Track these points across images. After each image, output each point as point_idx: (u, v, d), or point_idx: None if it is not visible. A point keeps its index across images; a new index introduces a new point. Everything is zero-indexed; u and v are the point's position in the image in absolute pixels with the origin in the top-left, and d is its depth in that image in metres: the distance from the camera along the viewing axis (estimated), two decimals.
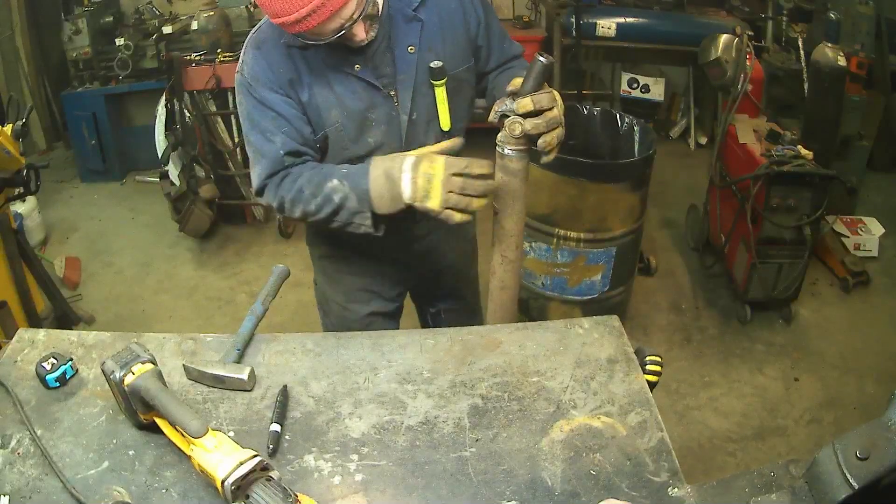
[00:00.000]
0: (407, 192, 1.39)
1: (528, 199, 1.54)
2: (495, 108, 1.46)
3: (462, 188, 1.38)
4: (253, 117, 1.53)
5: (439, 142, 1.62)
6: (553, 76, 4.50)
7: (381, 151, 1.58)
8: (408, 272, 1.87)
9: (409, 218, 1.73)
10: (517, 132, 1.41)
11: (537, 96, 1.38)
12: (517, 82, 1.43)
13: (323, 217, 1.49)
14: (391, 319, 1.95)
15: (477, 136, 1.88)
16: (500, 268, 1.60)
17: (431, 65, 1.53)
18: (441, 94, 1.56)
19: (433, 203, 1.38)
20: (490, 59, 1.72)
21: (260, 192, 1.56)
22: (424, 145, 1.61)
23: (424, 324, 2.08)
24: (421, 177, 1.38)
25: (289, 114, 1.52)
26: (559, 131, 1.43)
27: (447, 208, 1.38)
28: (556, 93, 1.44)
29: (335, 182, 1.45)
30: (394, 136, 1.59)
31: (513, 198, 1.51)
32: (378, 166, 1.43)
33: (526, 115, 1.39)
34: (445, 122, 1.62)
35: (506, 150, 1.47)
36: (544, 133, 1.40)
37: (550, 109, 1.40)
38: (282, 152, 1.51)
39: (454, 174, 1.37)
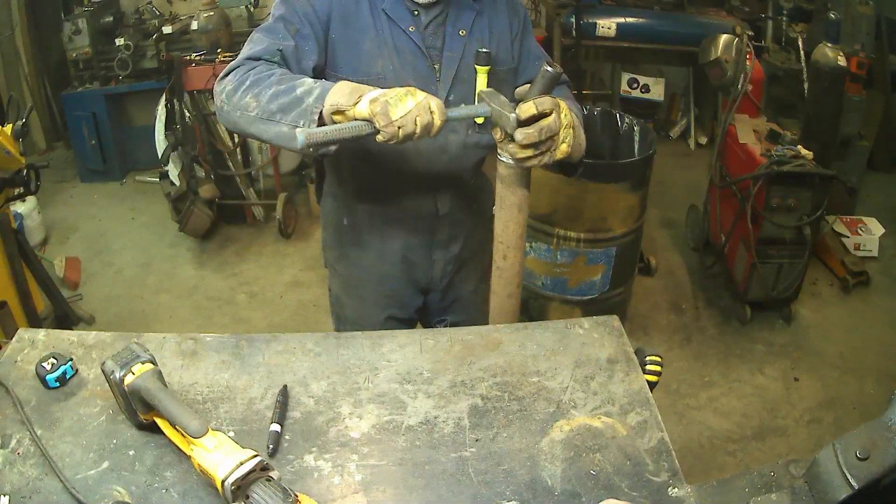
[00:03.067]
0: (373, 94, 1.26)
1: (517, 207, 1.48)
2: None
3: (426, 120, 1.27)
4: (279, 19, 1.48)
5: (469, 132, 1.63)
6: None
7: None
8: (426, 278, 1.85)
9: (432, 217, 1.74)
10: (497, 136, 1.40)
11: (540, 99, 1.34)
12: (525, 87, 1.41)
13: (268, 110, 1.33)
14: (407, 326, 1.93)
15: None
16: (491, 272, 1.60)
17: (479, 49, 1.51)
18: (482, 80, 1.53)
19: (393, 112, 1.23)
20: (518, 75, 1.71)
21: (228, 72, 1.43)
22: (457, 132, 1.62)
23: None
24: (400, 91, 1.26)
25: (310, 41, 1.48)
26: (549, 143, 1.36)
27: (398, 126, 1.25)
28: (561, 102, 1.39)
29: (309, 80, 1.36)
30: None
31: (500, 203, 1.50)
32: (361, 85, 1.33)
33: (528, 121, 1.34)
34: None
35: (498, 155, 1.47)
36: (536, 143, 1.34)
37: (549, 115, 1.35)
38: (279, 48, 1.44)
39: (431, 107, 1.27)
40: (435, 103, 1.28)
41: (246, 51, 1.46)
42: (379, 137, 1.25)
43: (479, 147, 1.70)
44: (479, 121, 1.59)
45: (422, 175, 1.68)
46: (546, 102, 1.34)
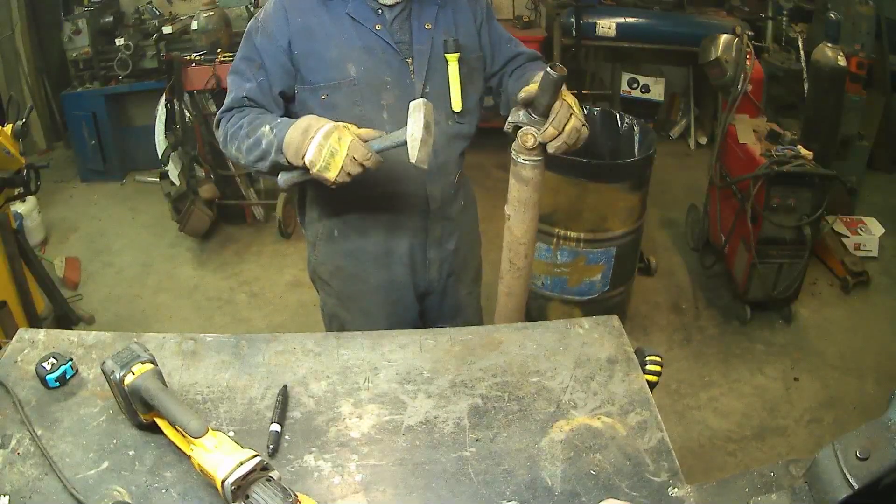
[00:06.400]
0: (309, 156, 1.42)
1: (541, 207, 1.55)
2: (509, 119, 1.49)
3: (357, 171, 1.43)
4: (242, 59, 1.63)
5: (450, 122, 1.67)
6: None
7: (394, 114, 1.60)
8: (424, 280, 1.85)
9: (424, 214, 1.75)
10: (529, 143, 1.45)
11: (557, 119, 1.42)
12: (530, 90, 1.44)
13: (251, 160, 1.54)
14: (413, 327, 1.90)
15: (489, 136, 1.97)
16: (508, 274, 1.60)
17: (446, 38, 1.58)
18: (454, 69, 1.59)
19: (330, 175, 1.42)
20: (494, 59, 1.76)
21: (217, 125, 1.66)
22: (439, 123, 1.63)
23: None
24: (327, 149, 1.40)
25: (273, 69, 1.60)
26: (580, 141, 1.46)
27: (338, 183, 1.44)
28: (570, 99, 1.46)
29: (266, 128, 1.50)
30: (406, 101, 1.57)
31: (524, 206, 1.52)
32: (304, 120, 1.46)
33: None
34: (457, 102, 1.65)
35: (519, 159, 1.49)
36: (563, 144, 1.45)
37: (568, 121, 1.43)
38: (243, 95, 1.60)
39: (357, 159, 1.41)
40: (357, 154, 1.40)
41: (226, 98, 1.64)
42: (331, 186, 1.45)
43: (461, 137, 1.72)
44: (457, 108, 1.65)
45: (410, 172, 1.66)
46: (562, 118, 1.43)
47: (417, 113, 1.39)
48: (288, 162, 1.47)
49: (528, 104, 1.45)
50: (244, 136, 1.54)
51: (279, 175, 1.52)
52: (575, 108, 1.46)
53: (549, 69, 1.37)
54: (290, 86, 1.62)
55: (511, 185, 1.53)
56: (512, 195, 1.53)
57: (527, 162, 1.48)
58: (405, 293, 1.85)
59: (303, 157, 1.43)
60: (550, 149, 1.46)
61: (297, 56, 1.59)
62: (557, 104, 1.43)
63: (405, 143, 1.39)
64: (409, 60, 1.62)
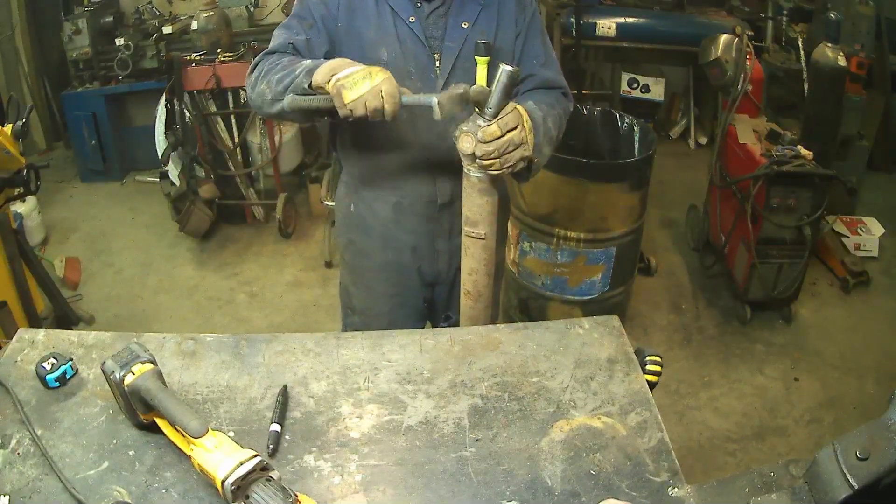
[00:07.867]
0: (340, 75, 1.35)
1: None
2: (461, 126, 1.42)
3: (375, 105, 1.34)
4: (294, 16, 1.64)
5: None
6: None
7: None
8: (432, 270, 1.87)
9: (432, 205, 1.77)
10: (467, 147, 1.39)
11: (504, 120, 1.37)
12: (482, 87, 1.39)
13: (278, 91, 1.47)
14: (414, 317, 1.94)
15: None
16: (486, 290, 1.60)
17: (479, 40, 1.53)
18: (482, 71, 1.56)
19: (347, 96, 1.33)
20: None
21: (253, 67, 1.61)
22: (456, 119, 1.60)
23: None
24: (362, 72, 1.34)
25: (322, 32, 1.61)
26: (514, 154, 1.41)
27: (350, 109, 1.35)
28: (520, 108, 1.43)
29: (308, 62, 1.49)
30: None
31: (493, 216, 1.51)
32: (347, 59, 1.43)
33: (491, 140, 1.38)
34: None
35: (472, 174, 1.47)
36: (494, 159, 1.39)
37: (514, 129, 1.39)
38: (291, 42, 1.60)
39: (382, 93, 1.33)
40: (386, 88, 1.33)
41: (271, 43, 1.64)
42: (340, 113, 1.36)
43: None
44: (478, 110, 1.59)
45: (422, 162, 1.71)
46: (510, 122, 1.38)
47: (458, 90, 1.36)
48: (310, 87, 1.41)
49: (479, 105, 1.39)
50: (281, 68, 1.50)
51: (286, 97, 1.44)
52: (525, 122, 1.42)
53: (503, 65, 1.34)
54: (332, 52, 1.62)
55: (475, 204, 1.48)
56: (483, 213, 1.49)
57: (467, 169, 1.44)
58: (409, 279, 1.88)
59: (331, 77, 1.37)
60: (479, 151, 1.38)
61: (340, 28, 1.62)
62: (510, 107, 1.39)
63: (430, 106, 1.35)
64: (437, 56, 1.63)
